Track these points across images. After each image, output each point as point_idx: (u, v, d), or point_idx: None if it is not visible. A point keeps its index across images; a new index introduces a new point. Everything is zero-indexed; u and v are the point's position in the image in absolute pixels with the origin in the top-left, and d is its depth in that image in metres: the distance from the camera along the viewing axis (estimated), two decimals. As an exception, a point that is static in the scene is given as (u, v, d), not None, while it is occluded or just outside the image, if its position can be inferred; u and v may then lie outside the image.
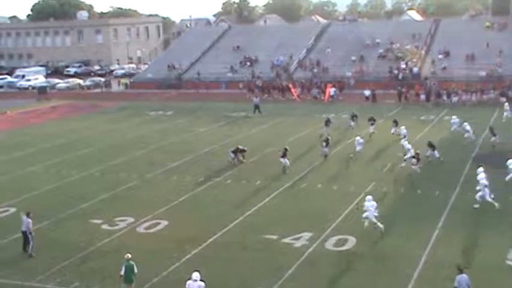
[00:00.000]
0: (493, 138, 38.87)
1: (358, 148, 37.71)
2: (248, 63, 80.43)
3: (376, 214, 24.61)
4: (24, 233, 23.51)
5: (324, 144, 37.47)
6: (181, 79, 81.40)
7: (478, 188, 27.51)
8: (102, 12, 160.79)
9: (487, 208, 26.90)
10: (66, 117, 59.72)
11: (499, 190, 28.67)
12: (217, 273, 20.91)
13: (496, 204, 26.72)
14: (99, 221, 27.03)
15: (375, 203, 24.85)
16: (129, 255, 19.60)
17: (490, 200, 26.88)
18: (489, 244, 22.91)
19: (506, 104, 50.09)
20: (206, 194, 31.07)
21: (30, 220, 23.53)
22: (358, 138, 38.52)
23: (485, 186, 27.05)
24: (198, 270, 18.38)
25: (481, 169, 28.95)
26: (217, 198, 30.22)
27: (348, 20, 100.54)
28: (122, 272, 19.42)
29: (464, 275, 18.06)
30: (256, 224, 26.16)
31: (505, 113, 48.27)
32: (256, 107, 56.37)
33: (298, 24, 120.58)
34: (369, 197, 25.25)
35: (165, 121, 54.82)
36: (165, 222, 26.62)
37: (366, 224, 24.80)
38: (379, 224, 24.44)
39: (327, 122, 43.94)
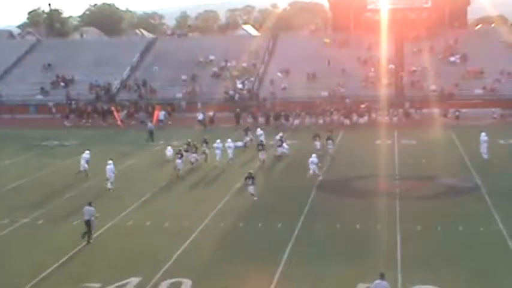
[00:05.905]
0: None
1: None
2: (62, 84, 78.64)
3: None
4: (87, 222, 28.18)
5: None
6: (-20, 102, 77.89)
7: None
8: None
9: (332, 239, 28.24)
10: None
11: (344, 218, 30.50)
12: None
13: None
14: None
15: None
16: None
17: None
18: (336, 276, 23.90)
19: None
20: (13, 239, 29.78)
21: (93, 208, 28.50)
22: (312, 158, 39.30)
23: None
24: None
25: None
26: (26, 243, 29.06)
27: (177, 35, 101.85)
28: None
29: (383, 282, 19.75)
30: (75, 271, 25.41)
31: None
32: (151, 133, 55.35)
33: (120, 39, 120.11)
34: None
35: (-40, 153, 51.97)
36: (-39, 275, 25.17)
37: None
38: None
39: (247, 130, 44.08)
